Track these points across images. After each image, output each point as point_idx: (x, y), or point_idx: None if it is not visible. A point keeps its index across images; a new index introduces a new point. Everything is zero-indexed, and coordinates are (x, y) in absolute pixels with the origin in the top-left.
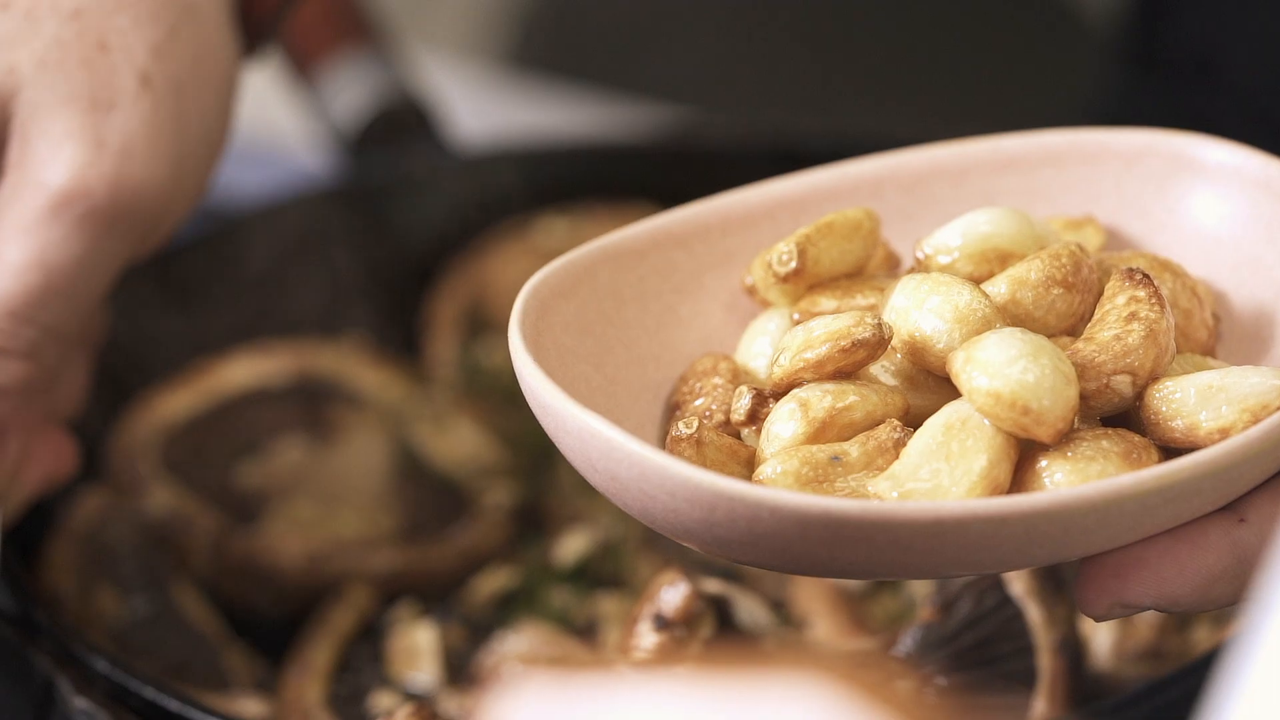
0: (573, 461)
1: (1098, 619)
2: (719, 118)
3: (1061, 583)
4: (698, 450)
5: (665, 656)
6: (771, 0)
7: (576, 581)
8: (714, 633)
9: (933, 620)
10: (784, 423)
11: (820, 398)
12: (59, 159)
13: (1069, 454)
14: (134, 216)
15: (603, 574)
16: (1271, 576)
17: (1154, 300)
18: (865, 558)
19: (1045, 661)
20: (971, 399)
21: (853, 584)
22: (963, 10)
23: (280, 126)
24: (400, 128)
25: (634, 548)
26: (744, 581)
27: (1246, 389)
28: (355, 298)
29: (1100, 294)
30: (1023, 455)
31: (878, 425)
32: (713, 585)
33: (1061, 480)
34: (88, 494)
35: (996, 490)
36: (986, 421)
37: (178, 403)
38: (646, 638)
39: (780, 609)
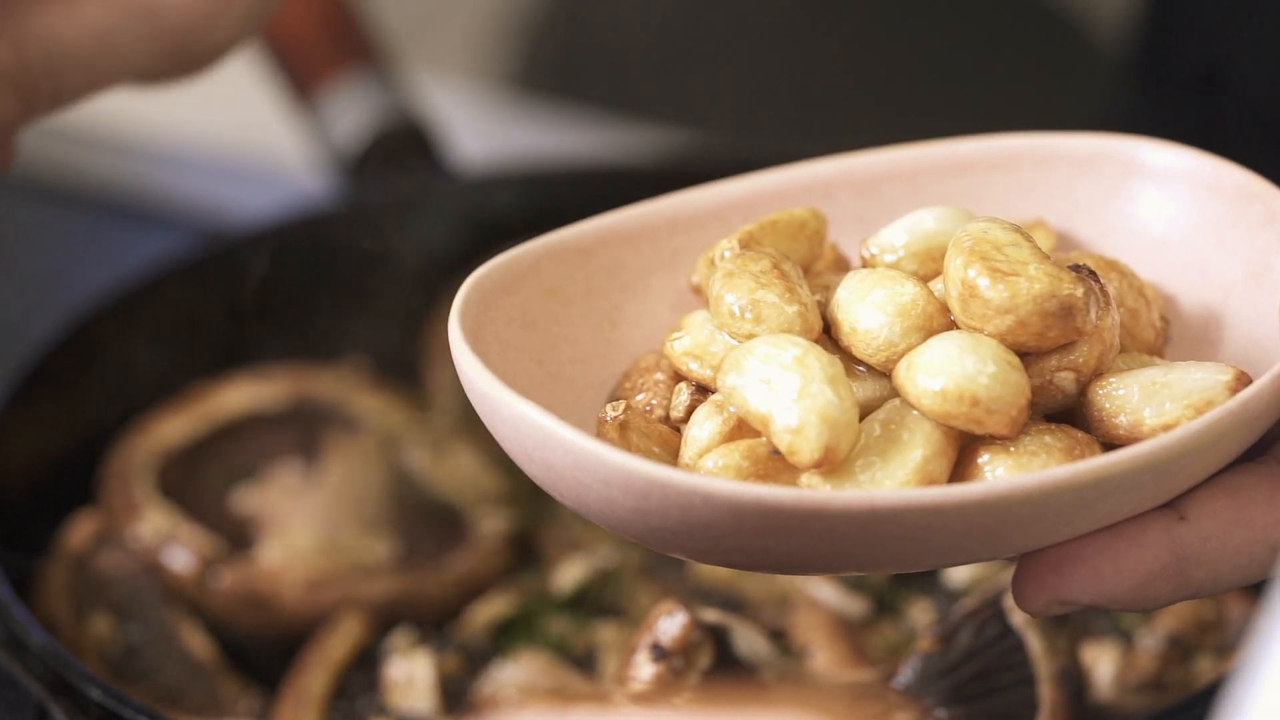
0: (508, 451)
1: (1034, 615)
2: (722, 141)
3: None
4: (621, 434)
5: (663, 687)
6: (777, 23)
7: (575, 610)
8: (712, 663)
9: (933, 651)
10: (700, 425)
11: None
12: None
13: (1011, 449)
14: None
15: (601, 602)
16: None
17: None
18: (800, 549)
19: (1046, 692)
20: (919, 404)
21: (853, 614)
22: (970, 26)
23: (281, 148)
24: (401, 150)
25: (633, 576)
26: (743, 611)
27: (1190, 384)
28: (354, 322)
29: None
30: (965, 452)
31: None
32: (711, 615)
33: (1003, 475)
34: (82, 519)
35: (932, 484)
36: (924, 417)
37: (174, 427)
38: (644, 668)
39: (779, 639)
